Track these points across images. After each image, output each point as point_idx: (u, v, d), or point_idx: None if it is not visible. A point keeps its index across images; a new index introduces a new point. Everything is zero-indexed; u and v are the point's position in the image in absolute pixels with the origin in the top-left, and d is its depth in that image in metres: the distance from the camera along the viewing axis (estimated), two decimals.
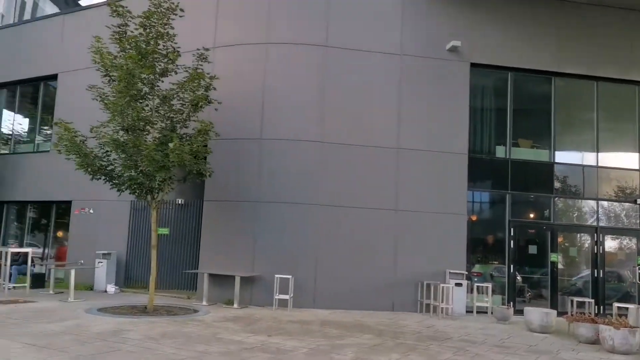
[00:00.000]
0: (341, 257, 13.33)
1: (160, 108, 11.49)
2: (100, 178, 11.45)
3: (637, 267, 14.94)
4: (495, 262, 15.02)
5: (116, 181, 11.30)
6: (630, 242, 15.32)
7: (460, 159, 14.15)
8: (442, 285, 12.81)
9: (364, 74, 13.93)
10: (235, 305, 12.47)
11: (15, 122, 19.22)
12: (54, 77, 17.52)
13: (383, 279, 13.43)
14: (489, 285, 13.48)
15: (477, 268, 15.10)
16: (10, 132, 19.13)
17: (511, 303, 14.09)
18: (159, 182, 11.02)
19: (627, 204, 15.23)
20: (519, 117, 15.16)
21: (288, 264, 13.00)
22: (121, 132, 11.06)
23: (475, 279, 14.86)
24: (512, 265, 14.41)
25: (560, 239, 15.44)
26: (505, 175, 14.74)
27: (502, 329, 11.54)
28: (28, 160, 17.95)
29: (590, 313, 11.37)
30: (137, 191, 11.20)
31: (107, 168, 11.36)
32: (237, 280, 12.54)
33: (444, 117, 14.22)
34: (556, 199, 14.95)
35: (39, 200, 17.48)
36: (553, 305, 13.80)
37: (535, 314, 11.38)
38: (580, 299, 12.28)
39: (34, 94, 18.87)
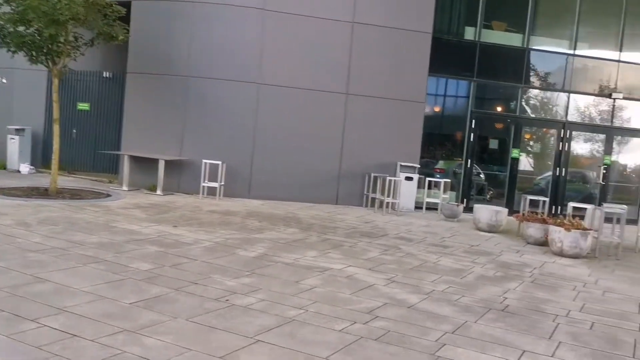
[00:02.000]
0: (282, 143, 11.97)
1: None
2: None
3: (602, 167, 13.98)
4: (460, 159, 13.91)
5: (7, 40, 9.46)
6: (598, 141, 14.24)
7: (422, 38, 12.43)
8: (389, 178, 11.68)
9: None
10: (159, 192, 11.24)
11: None
12: None
13: (328, 169, 12.23)
14: (442, 181, 12.40)
15: (440, 164, 14.02)
16: None
17: (464, 200, 13.16)
18: (58, 43, 9.23)
19: (600, 98, 13.93)
20: None
21: (221, 148, 11.62)
22: None
23: (438, 176, 13.84)
24: (469, 161, 13.29)
25: (527, 135, 14.29)
26: (472, 60, 13.18)
27: (448, 227, 10.61)
28: None
29: (543, 213, 10.41)
30: (32, 52, 9.42)
31: None
32: (161, 165, 11.20)
33: None
34: (525, 89, 13.55)
35: None
36: (509, 205, 12.87)
37: (484, 211, 10.41)
38: (535, 197, 11.32)
39: None
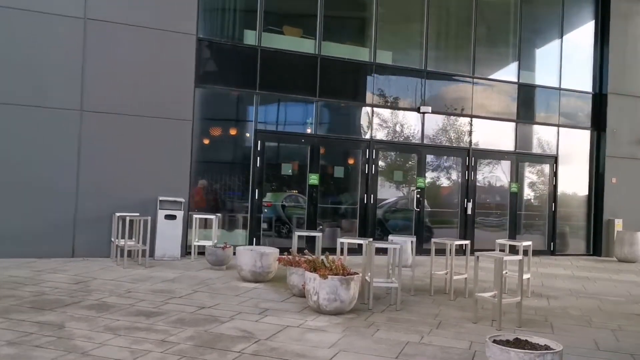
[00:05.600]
0: (2, 182, 8.79)
1: None
2: None
3: (415, 191, 12.24)
4: (295, 191, 11.51)
5: None
6: (411, 160, 12.54)
7: (185, 41, 9.99)
8: (139, 218, 8.88)
9: None
10: None
11: None
12: None
13: (59, 211, 9.14)
14: (214, 217, 9.81)
15: (269, 197, 11.48)
16: None
17: (254, 240, 10.68)
18: None
19: (409, 112, 12.29)
20: None
21: None
22: None
23: (266, 210, 11.32)
24: (256, 190, 10.87)
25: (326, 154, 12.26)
26: (254, 69, 10.92)
27: (202, 279, 7.95)
28: None
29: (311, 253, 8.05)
30: None
31: None
32: None
33: None
34: (320, 102, 11.52)
35: None
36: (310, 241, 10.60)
37: (246, 256, 7.89)
38: (304, 233, 9.02)
39: None
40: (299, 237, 8.11)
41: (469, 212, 12.55)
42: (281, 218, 11.72)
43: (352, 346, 5.02)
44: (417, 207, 12.17)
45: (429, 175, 12.52)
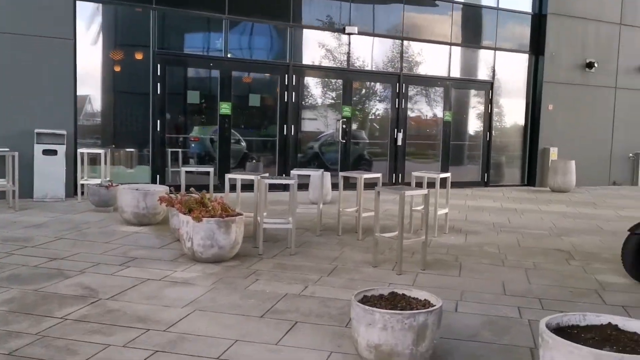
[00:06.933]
0: None
1: None
2: None
3: (341, 121, 11.28)
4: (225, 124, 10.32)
5: None
6: (334, 89, 11.50)
7: None
8: (11, 154, 7.61)
9: None
10: None
11: None
12: None
13: None
14: (102, 151, 8.60)
15: (196, 131, 10.29)
16: None
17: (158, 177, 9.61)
18: None
19: (333, 33, 11.13)
20: None
21: None
22: None
23: (193, 145, 10.18)
24: (157, 122, 9.66)
25: (246, 79, 11.04)
26: None
27: (77, 222, 6.88)
28: None
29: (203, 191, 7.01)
30: None
31: None
32: None
33: None
34: (232, 21, 10.16)
35: None
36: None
37: (127, 195, 6.82)
38: (191, 169, 7.85)
39: None
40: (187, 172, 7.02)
41: (400, 143, 11.74)
42: (210, 154, 10.64)
43: (214, 304, 4.15)
44: (342, 138, 11.25)
45: (357, 104, 11.55)
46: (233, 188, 6.53)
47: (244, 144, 10.91)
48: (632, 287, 4.92)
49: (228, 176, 6.27)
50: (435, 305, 3.13)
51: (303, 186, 8.49)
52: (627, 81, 13.61)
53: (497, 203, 10.26)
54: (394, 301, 3.26)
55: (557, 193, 11.97)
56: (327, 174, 8.91)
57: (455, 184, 12.16)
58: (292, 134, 10.72)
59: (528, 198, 11.11)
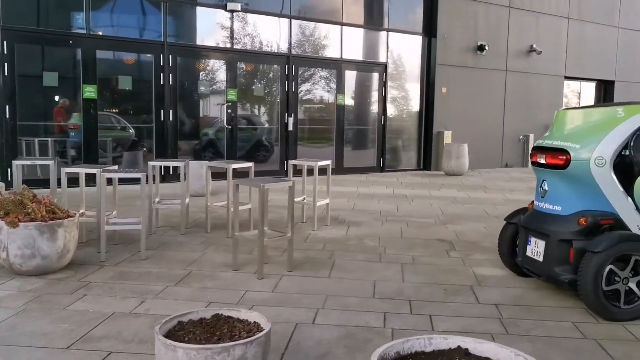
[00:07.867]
0: None
1: None
2: None
3: (225, 106, 10.47)
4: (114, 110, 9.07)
5: None
6: (221, 68, 10.65)
7: None
8: None
9: None
10: None
11: None
12: None
13: None
14: None
15: (75, 118, 8.97)
16: None
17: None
18: None
19: (214, 10, 10.24)
20: None
21: None
22: None
23: (73, 134, 8.89)
24: (6, 107, 8.39)
25: (128, 60, 9.97)
26: None
27: None
28: None
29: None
30: None
31: None
32: None
33: None
34: None
35: None
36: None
37: None
38: (26, 162, 6.77)
39: None
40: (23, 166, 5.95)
41: (291, 128, 11.12)
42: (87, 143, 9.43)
43: (12, 333, 3.30)
44: (228, 124, 10.46)
45: (243, 87, 10.77)
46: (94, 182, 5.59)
47: (132, 131, 9.87)
48: (508, 279, 4.60)
49: (64, 170, 5.31)
50: (260, 332, 2.50)
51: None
52: (517, 64, 13.81)
53: (389, 189, 9.93)
54: (214, 327, 2.60)
55: (450, 177, 11.90)
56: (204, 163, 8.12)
57: (350, 170, 11.84)
58: (171, 119, 9.78)
59: (421, 183, 10.90)
